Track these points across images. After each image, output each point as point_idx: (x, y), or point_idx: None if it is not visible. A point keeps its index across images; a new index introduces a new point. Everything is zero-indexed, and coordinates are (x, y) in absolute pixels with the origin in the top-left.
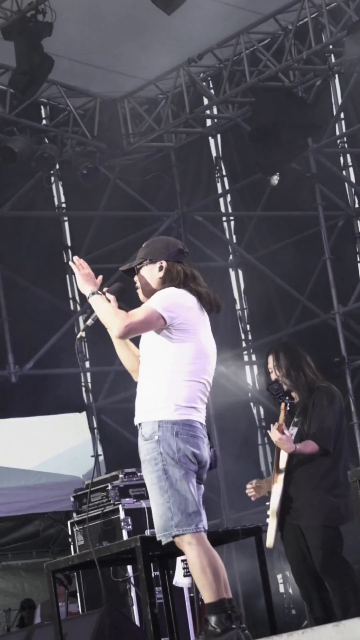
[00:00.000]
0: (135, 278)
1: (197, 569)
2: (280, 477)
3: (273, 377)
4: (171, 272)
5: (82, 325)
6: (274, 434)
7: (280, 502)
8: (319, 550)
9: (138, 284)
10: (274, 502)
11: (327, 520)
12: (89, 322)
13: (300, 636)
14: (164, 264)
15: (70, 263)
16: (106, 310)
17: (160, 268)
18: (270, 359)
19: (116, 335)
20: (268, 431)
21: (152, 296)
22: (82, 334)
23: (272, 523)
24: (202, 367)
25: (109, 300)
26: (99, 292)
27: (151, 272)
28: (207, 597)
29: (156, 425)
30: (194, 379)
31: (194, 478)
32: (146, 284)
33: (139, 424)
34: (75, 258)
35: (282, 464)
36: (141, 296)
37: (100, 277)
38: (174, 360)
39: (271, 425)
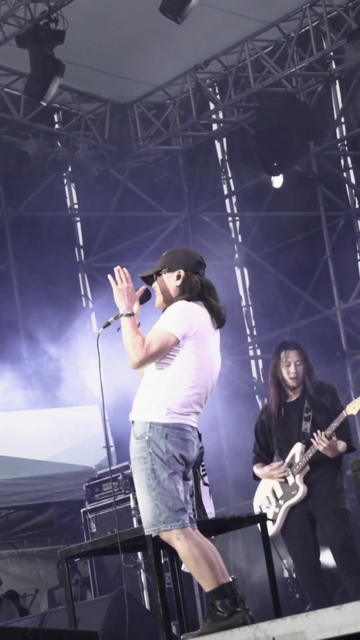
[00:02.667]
0: (155, 284)
1: (191, 562)
2: (294, 471)
3: (292, 369)
4: (189, 281)
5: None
6: (322, 442)
7: (302, 494)
8: (341, 531)
9: (157, 290)
10: (295, 495)
11: (349, 505)
12: (111, 319)
13: (303, 619)
14: (182, 273)
15: (109, 276)
16: (128, 337)
17: (178, 277)
18: (295, 354)
19: (131, 367)
20: (312, 439)
21: (169, 306)
22: (102, 330)
23: (281, 512)
24: (204, 381)
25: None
26: (131, 313)
27: (169, 280)
28: (207, 586)
29: (147, 426)
30: (193, 390)
31: (181, 478)
32: (165, 290)
33: (132, 422)
34: (116, 269)
35: (296, 458)
36: (158, 302)
37: (141, 288)
38: (178, 368)
39: (315, 434)
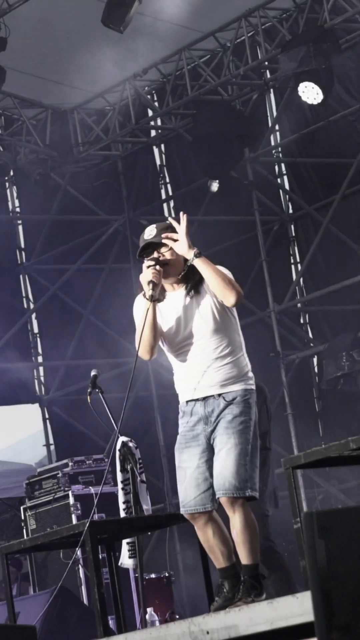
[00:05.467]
0: (163, 249)
1: (251, 530)
2: None
3: None
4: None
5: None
6: None
7: None
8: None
9: (167, 256)
10: None
11: (270, 510)
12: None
13: (236, 613)
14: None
15: (172, 220)
16: (219, 273)
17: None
18: None
19: (234, 302)
20: None
21: (174, 273)
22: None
23: None
24: None
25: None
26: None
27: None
28: (253, 558)
29: (248, 393)
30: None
31: None
32: (178, 259)
33: (226, 393)
34: (183, 215)
35: None
36: (173, 268)
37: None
38: (240, 335)
39: None
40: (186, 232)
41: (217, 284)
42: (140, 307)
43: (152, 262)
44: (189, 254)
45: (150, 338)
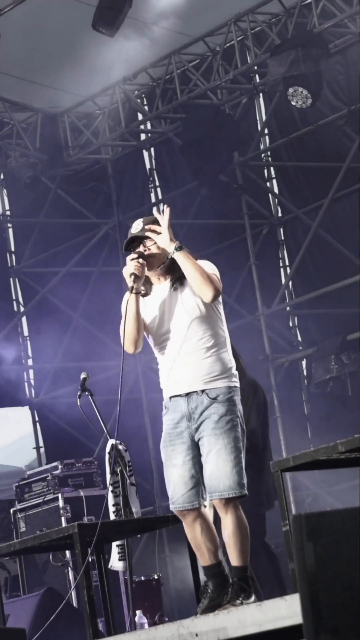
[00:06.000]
0: (149, 242)
1: (243, 531)
2: None
3: None
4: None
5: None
6: None
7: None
8: None
9: (152, 250)
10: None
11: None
12: (135, 285)
13: (225, 615)
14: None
15: (157, 214)
16: (197, 268)
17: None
18: None
19: (211, 298)
20: None
21: (159, 265)
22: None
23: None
24: None
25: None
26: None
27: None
28: (243, 560)
29: (232, 390)
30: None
31: None
32: (162, 252)
33: (210, 390)
34: (167, 207)
35: None
36: (158, 260)
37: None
38: (225, 332)
39: None
40: (168, 225)
41: (195, 279)
42: (126, 301)
43: (135, 255)
44: (169, 246)
45: (133, 330)
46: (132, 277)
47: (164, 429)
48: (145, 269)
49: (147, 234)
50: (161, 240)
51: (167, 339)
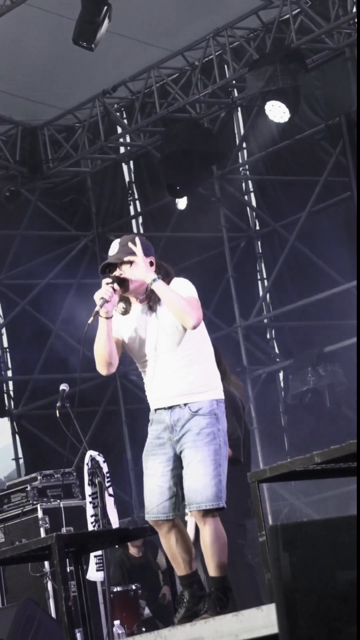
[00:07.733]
0: (125, 267)
1: (221, 542)
2: None
3: None
4: (162, 267)
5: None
6: None
7: None
8: None
9: (126, 274)
10: None
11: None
12: (100, 309)
13: (202, 625)
14: (153, 260)
15: (130, 244)
16: (177, 297)
17: (151, 264)
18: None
19: (194, 325)
20: None
21: (140, 289)
22: (92, 319)
23: (192, 521)
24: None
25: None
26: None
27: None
28: (221, 570)
29: (214, 403)
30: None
31: None
32: (136, 276)
33: (192, 403)
34: (139, 239)
35: None
36: (134, 285)
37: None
38: (208, 345)
39: None
40: (142, 257)
41: (175, 310)
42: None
43: (110, 280)
44: (147, 278)
45: (104, 353)
46: (101, 301)
47: (148, 440)
48: (119, 294)
49: (125, 258)
50: (137, 272)
51: (148, 357)
